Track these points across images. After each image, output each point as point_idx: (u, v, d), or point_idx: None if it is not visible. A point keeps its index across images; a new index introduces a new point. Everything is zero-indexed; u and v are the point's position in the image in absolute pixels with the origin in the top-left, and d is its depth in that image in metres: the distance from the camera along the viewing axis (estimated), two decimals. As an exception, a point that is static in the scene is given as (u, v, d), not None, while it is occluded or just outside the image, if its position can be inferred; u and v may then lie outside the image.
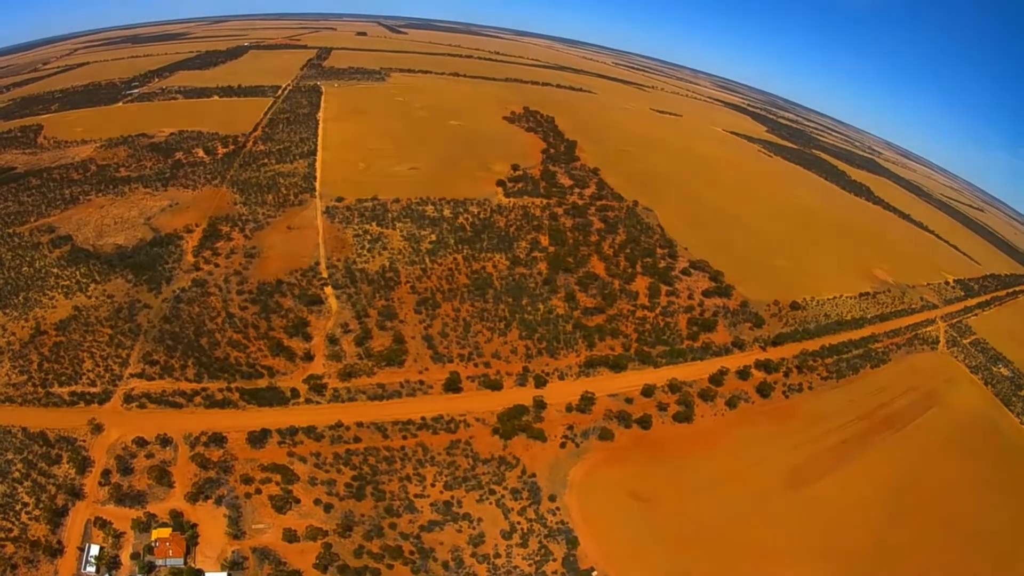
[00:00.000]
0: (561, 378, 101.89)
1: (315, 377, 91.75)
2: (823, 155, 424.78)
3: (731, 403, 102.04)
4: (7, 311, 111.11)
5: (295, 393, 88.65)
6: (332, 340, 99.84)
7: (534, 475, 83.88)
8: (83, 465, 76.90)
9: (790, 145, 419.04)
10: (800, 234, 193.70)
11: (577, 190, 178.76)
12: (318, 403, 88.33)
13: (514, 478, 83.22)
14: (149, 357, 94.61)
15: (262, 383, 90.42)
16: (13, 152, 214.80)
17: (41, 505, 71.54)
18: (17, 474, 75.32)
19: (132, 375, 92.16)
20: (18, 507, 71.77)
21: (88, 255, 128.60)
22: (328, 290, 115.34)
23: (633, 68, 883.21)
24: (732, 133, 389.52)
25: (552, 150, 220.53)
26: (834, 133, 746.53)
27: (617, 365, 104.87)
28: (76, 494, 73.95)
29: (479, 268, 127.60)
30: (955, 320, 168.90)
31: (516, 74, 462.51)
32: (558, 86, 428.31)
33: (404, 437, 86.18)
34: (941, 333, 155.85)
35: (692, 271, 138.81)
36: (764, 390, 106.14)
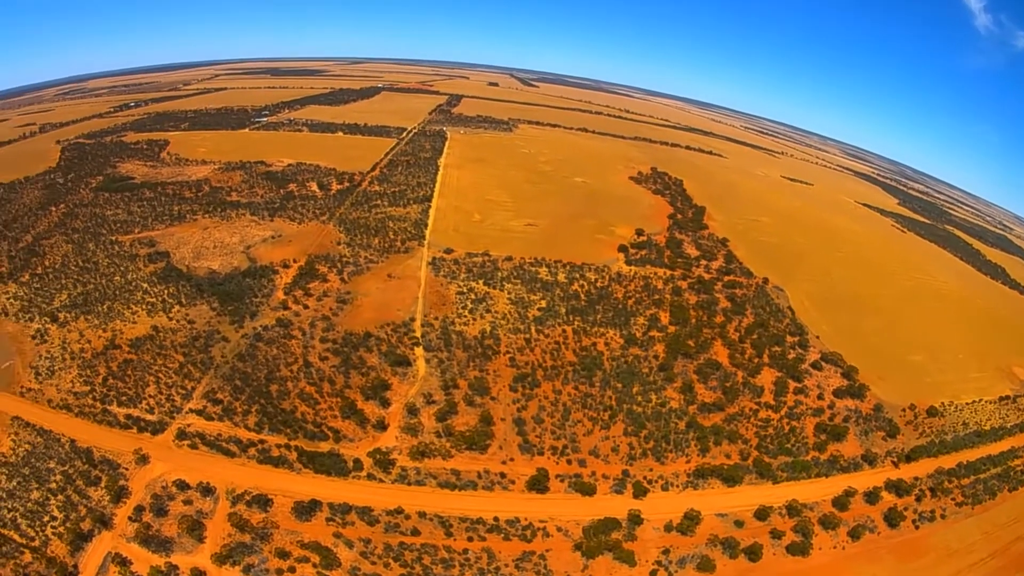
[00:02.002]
0: (665, 488, 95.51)
1: (383, 451, 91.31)
2: (956, 231, 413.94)
3: (855, 533, 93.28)
4: (89, 318, 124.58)
5: (358, 465, 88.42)
6: (411, 410, 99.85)
7: (613, 607, 76.21)
8: (119, 494, 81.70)
9: (922, 219, 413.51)
10: (938, 323, 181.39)
11: (704, 262, 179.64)
12: (381, 481, 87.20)
13: (588, 607, 76.21)
14: (213, 395, 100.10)
15: (324, 446, 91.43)
16: (135, 163, 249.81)
17: (68, 524, 76.41)
18: (54, 485, 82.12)
19: (191, 410, 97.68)
20: (46, 518, 77.64)
21: (180, 275, 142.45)
22: (418, 351, 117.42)
23: (762, 133, 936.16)
24: (864, 205, 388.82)
25: (679, 216, 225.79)
26: (964, 206, 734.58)
27: (731, 478, 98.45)
28: (104, 522, 77.92)
29: (589, 345, 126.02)
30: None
31: (645, 133, 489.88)
32: (687, 147, 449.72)
33: (470, 538, 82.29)
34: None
35: (823, 365, 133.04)
36: (893, 518, 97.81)
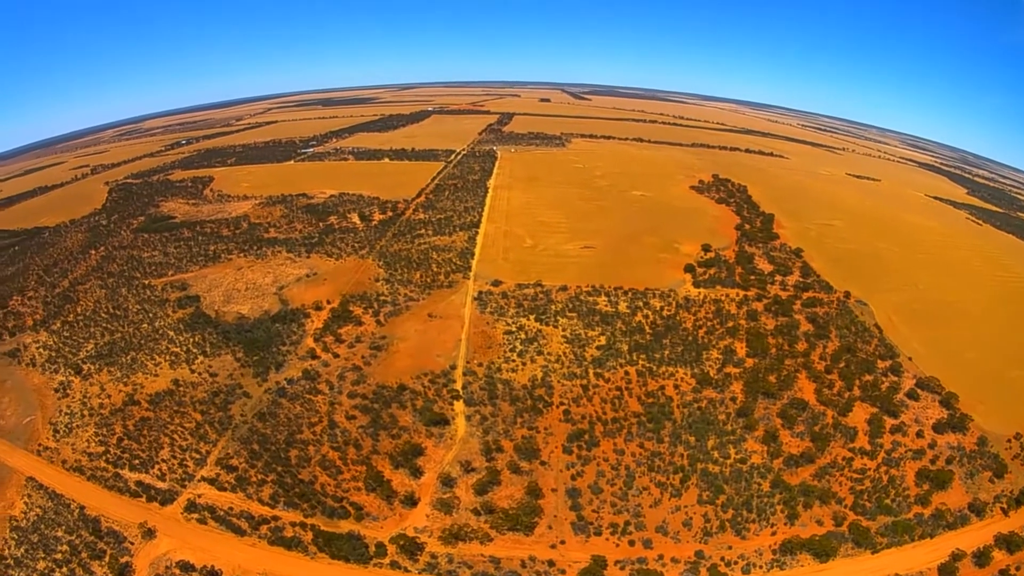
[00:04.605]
0: (746, 572, 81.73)
1: (409, 536, 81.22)
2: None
3: (966, 612, 79.03)
4: (112, 370, 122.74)
5: (380, 550, 78.70)
6: (446, 481, 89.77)
7: None
8: (122, 572, 77.83)
9: (994, 208, 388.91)
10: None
11: (778, 277, 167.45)
12: (406, 570, 77.02)
13: None
14: (228, 460, 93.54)
15: (344, 526, 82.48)
16: (178, 201, 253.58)
17: (68, 604, 73.12)
18: (60, 556, 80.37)
19: (204, 479, 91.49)
20: (48, 593, 75.82)
21: (208, 322, 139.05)
22: (458, 406, 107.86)
23: (821, 130, 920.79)
24: (935, 198, 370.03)
25: (747, 226, 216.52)
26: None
27: (824, 551, 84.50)
28: (106, 605, 74.05)
29: (656, 389, 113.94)
30: None
31: (702, 139, 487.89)
32: (747, 151, 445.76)
33: (508, 649, 71.34)
34: None
35: (920, 393, 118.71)
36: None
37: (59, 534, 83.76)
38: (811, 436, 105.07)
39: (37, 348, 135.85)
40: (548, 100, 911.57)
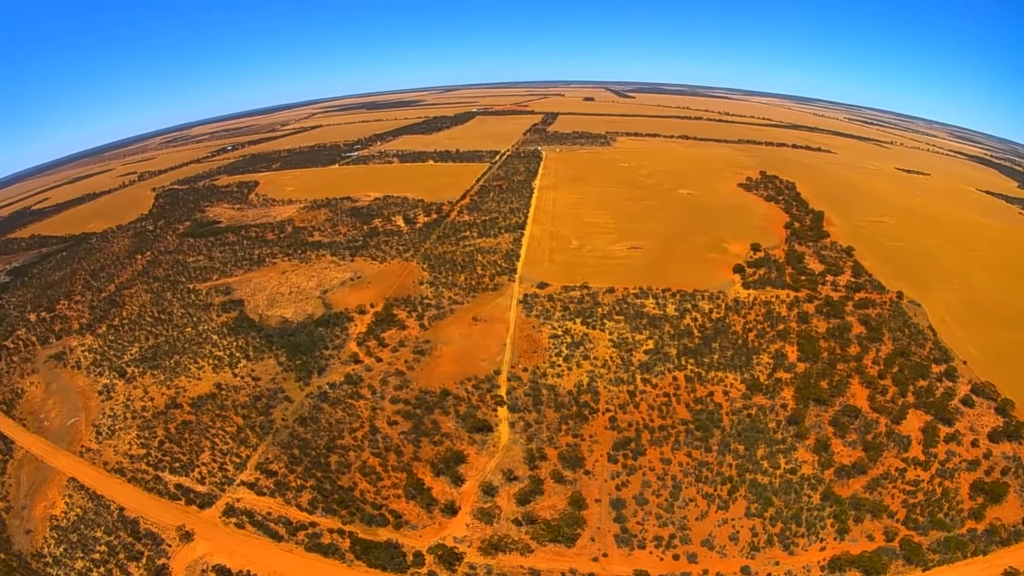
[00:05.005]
0: None
1: (448, 546, 79.95)
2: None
3: (1019, 640, 73.59)
4: (155, 373, 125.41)
5: (418, 559, 77.60)
6: (488, 490, 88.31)
7: None
8: (158, 574, 79.27)
9: None
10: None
11: (829, 277, 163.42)
12: (444, 582, 76.17)
13: None
14: (268, 465, 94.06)
15: (383, 534, 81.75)
16: (223, 206, 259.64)
17: (104, 605, 75.18)
18: (98, 556, 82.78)
19: (243, 483, 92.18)
20: (87, 593, 78.28)
21: (251, 326, 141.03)
22: (502, 412, 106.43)
23: (867, 123, 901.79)
24: (986, 192, 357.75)
25: (797, 224, 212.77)
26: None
27: (873, 568, 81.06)
28: (141, 608, 75.48)
29: (705, 395, 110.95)
30: None
31: (748, 135, 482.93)
32: (794, 146, 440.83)
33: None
34: None
35: (975, 399, 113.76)
36: (1062, 611, 77.31)
37: (98, 534, 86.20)
38: (863, 445, 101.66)
39: (82, 351, 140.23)
40: (592, 99, 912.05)
